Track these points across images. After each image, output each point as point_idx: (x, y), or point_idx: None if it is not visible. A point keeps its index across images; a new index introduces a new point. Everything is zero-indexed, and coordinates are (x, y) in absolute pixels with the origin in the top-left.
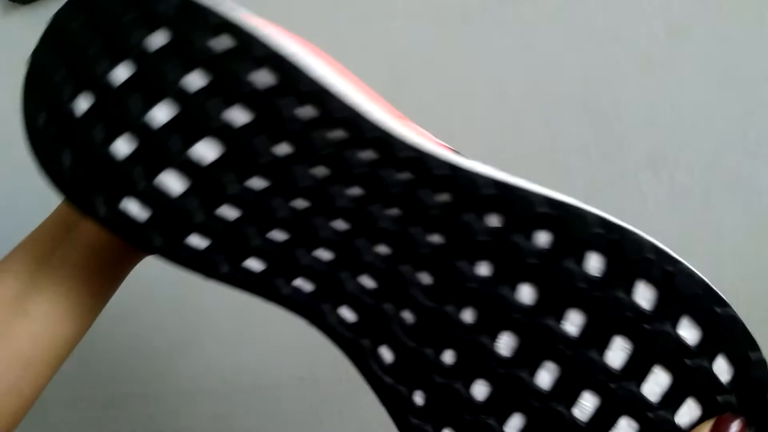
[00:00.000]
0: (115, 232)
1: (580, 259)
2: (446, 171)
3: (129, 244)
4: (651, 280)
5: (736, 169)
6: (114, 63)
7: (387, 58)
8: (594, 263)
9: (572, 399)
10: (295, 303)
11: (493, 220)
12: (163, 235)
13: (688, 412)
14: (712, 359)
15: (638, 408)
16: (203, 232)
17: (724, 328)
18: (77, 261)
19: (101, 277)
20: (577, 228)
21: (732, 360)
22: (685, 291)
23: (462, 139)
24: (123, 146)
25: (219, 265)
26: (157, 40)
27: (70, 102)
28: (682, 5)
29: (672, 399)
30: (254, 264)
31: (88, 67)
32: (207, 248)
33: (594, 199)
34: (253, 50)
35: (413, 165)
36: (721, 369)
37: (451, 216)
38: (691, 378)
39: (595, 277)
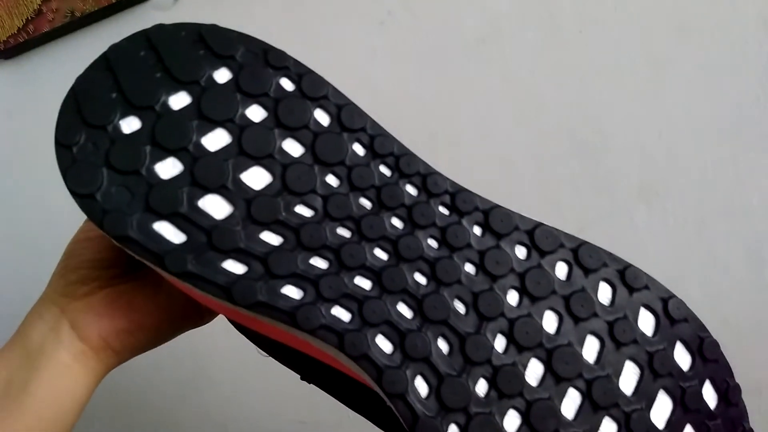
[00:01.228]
0: (142, 254)
1: (595, 289)
2: (485, 206)
3: (157, 268)
4: (650, 307)
5: (728, 197)
6: (173, 91)
7: (370, 99)
8: (605, 293)
9: (594, 429)
10: (332, 332)
11: (522, 252)
12: (198, 259)
13: None
14: (701, 384)
15: None
16: (242, 256)
17: (710, 354)
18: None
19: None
20: (591, 261)
21: (716, 386)
22: (677, 317)
23: (450, 178)
24: (169, 168)
25: (256, 292)
26: (221, 75)
27: (119, 120)
28: (663, 36)
29: (676, 426)
30: (292, 291)
31: (146, 91)
32: (244, 274)
33: (587, 231)
34: (312, 91)
35: (454, 202)
36: (709, 395)
37: (485, 247)
38: (688, 403)
39: (608, 305)
